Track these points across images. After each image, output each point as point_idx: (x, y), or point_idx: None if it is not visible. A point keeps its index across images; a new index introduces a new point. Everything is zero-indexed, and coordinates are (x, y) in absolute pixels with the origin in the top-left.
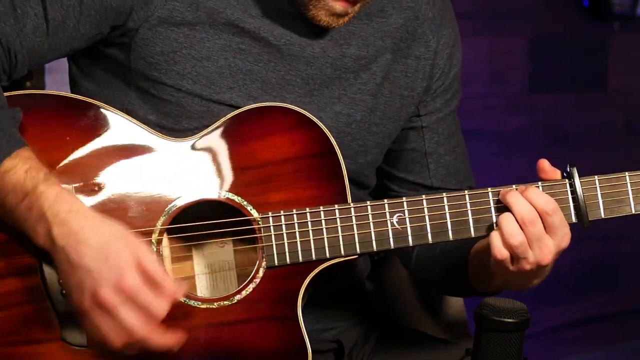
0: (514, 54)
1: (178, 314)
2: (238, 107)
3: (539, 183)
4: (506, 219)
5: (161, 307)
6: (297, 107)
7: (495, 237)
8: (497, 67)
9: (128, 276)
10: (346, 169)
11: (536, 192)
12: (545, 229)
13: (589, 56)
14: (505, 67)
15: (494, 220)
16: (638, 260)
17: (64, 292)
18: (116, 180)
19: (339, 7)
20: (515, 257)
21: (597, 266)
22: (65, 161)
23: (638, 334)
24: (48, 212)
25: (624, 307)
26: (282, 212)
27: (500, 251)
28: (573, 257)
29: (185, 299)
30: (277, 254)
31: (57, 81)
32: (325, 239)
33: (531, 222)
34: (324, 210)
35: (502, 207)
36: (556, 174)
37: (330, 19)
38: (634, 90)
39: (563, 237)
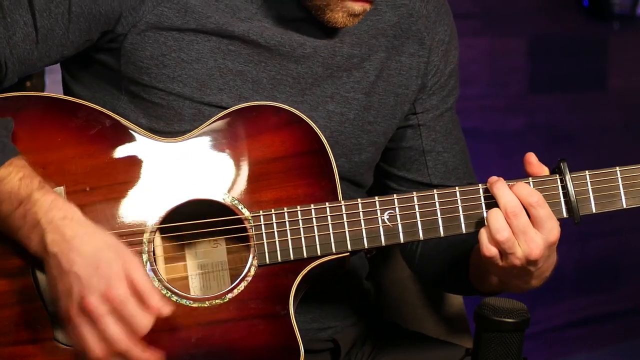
0: (514, 55)
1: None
2: None
3: (530, 179)
4: (494, 215)
5: (145, 321)
6: (288, 106)
7: (483, 234)
8: (497, 67)
9: (116, 286)
10: (341, 168)
11: (520, 185)
12: (531, 222)
13: (589, 56)
14: (504, 67)
15: (485, 216)
16: (639, 260)
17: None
18: (107, 180)
19: (358, 7)
20: (503, 252)
21: (598, 266)
22: (57, 162)
23: (639, 333)
24: (42, 219)
25: (624, 307)
26: (273, 210)
27: (488, 248)
28: (573, 257)
29: (177, 298)
30: (268, 252)
31: (57, 81)
32: (317, 237)
33: (515, 214)
34: (315, 208)
35: (493, 203)
36: (542, 167)
37: (347, 20)
38: (633, 90)
39: (551, 230)
